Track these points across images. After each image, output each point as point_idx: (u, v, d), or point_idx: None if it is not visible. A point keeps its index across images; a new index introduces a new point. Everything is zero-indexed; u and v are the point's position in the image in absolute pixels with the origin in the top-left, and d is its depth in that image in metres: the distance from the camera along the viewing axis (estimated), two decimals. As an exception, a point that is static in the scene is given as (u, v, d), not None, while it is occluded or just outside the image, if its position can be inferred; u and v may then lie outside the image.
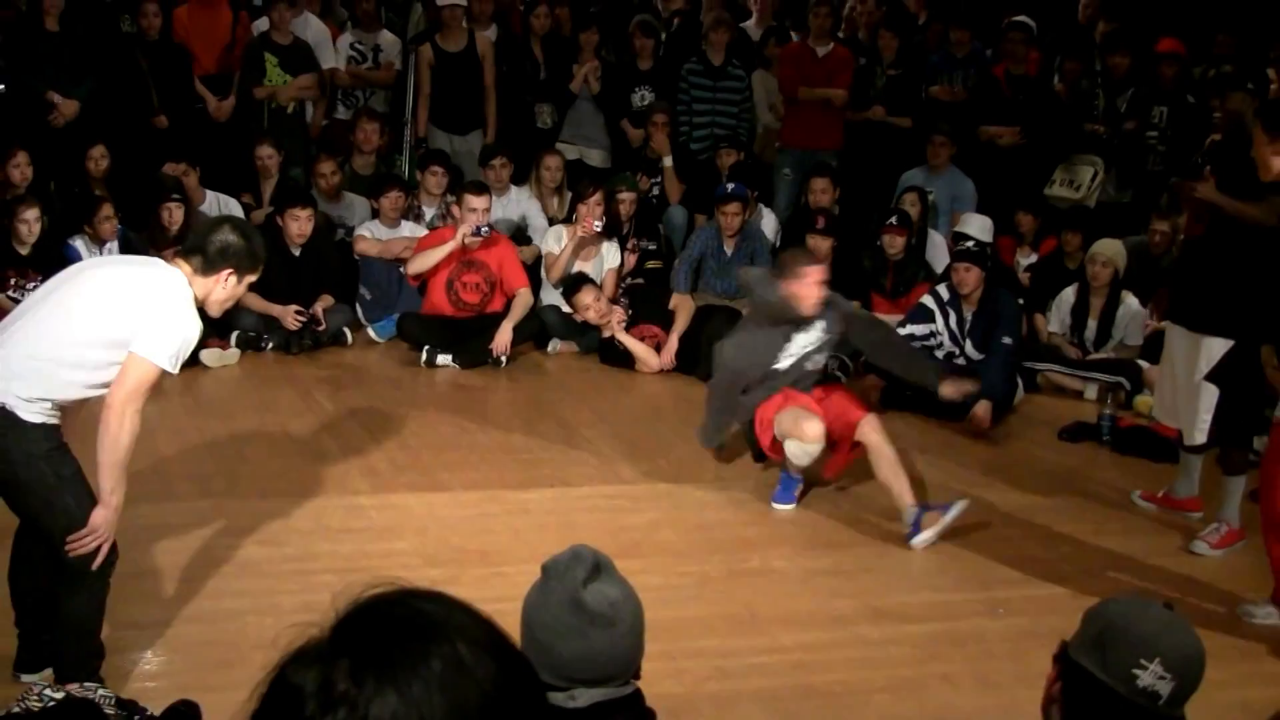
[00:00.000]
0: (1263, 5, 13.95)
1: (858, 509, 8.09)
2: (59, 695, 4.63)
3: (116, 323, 5.21)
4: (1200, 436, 7.73)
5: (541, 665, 2.98)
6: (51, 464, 5.23)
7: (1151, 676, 3.02)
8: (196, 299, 5.37)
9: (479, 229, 10.40)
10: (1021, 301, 10.43)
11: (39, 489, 5.25)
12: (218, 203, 11.12)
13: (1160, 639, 3.07)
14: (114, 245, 10.21)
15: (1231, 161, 7.64)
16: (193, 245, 5.44)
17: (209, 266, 5.36)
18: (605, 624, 3.07)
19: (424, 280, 10.52)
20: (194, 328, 5.31)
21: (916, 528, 7.59)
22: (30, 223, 9.74)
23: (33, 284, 9.69)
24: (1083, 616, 3.18)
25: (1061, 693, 3.11)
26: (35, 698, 4.57)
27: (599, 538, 7.19)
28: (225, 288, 5.42)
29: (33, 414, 5.17)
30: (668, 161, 12.24)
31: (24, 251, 9.78)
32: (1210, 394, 7.58)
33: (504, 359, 10.32)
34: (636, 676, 3.20)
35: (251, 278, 5.52)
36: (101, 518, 5.28)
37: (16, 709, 4.56)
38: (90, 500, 5.29)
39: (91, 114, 11.29)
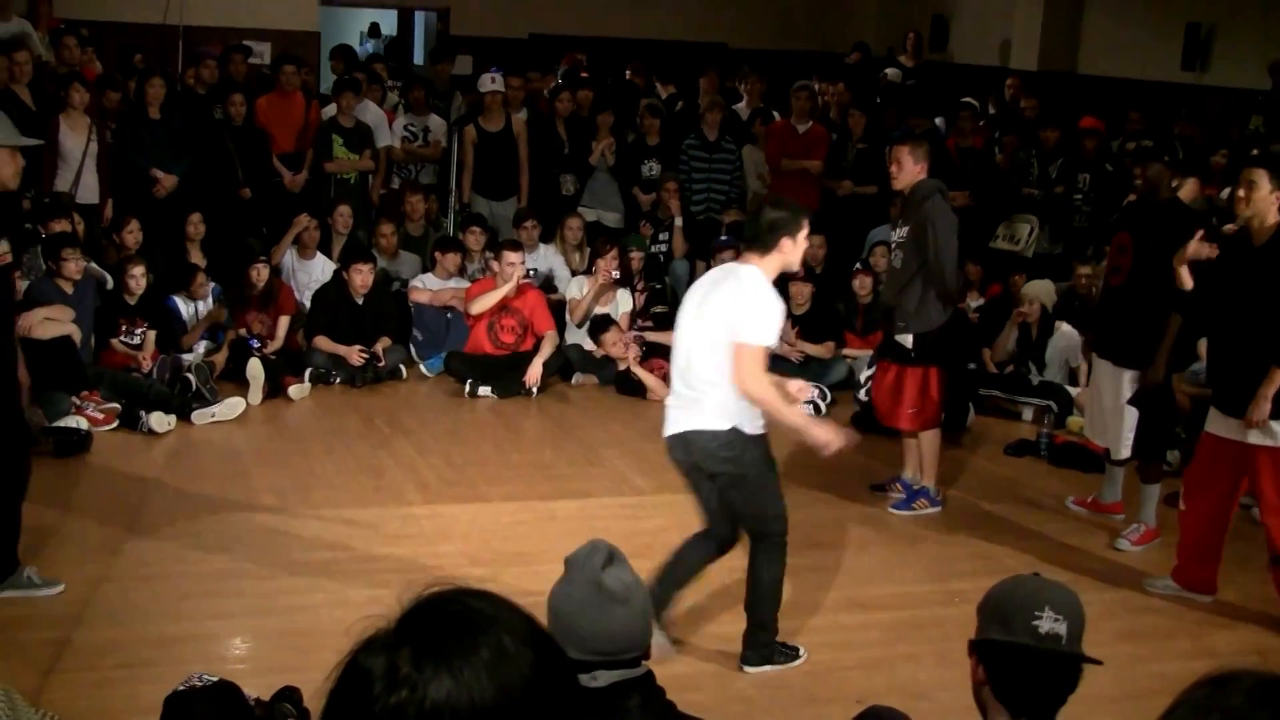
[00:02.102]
0: (1166, 90, 14.01)
1: (837, 515, 8.10)
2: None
3: (726, 332, 5.51)
4: (1125, 451, 7.80)
5: (567, 642, 2.97)
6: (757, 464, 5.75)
7: (1049, 621, 3.07)
8: (780, 271, 5.76)
9: (529, 272, 10.86)
10: (972, 340, 10.48)
11: (752, 484, 5.76)
12: (323, 262, 11.24)
13: (1041, 593, 3.15)
14: (208, 300, 10.28)
15: (1147, 219, 7.69)
16: (750, 237, 5.83)
17: (768, 246, 5.64)
18: (622, 602, 3.09)
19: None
20: (775, 304, 5.60)
21: (907, 503, 8.17)
22: (138, 278, 9.78)
23: (140, 330, 9.73)
24: (977, 611, 3.23)
25: (986, 673, 3.13)
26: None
27: (616, 540, 7.13)
28: (789, 250, 5.69)
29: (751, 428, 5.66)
30: (678, 222, 12.26)
31: (132, 302, 9.81)
32: (1131, 416, 7.66)
33: (535, 390, 10.33)
34: (646, 657, 3.20)
35: (803, 232, 5.71)
36: (820, 433, 5.78)
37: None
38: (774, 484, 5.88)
39: (188, 187, 11.33)
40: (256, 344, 10.16)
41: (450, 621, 1.60)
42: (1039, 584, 3.22)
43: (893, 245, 8.15)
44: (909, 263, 7.88)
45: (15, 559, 6.25)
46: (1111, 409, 7.80)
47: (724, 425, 5.61)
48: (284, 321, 10.47)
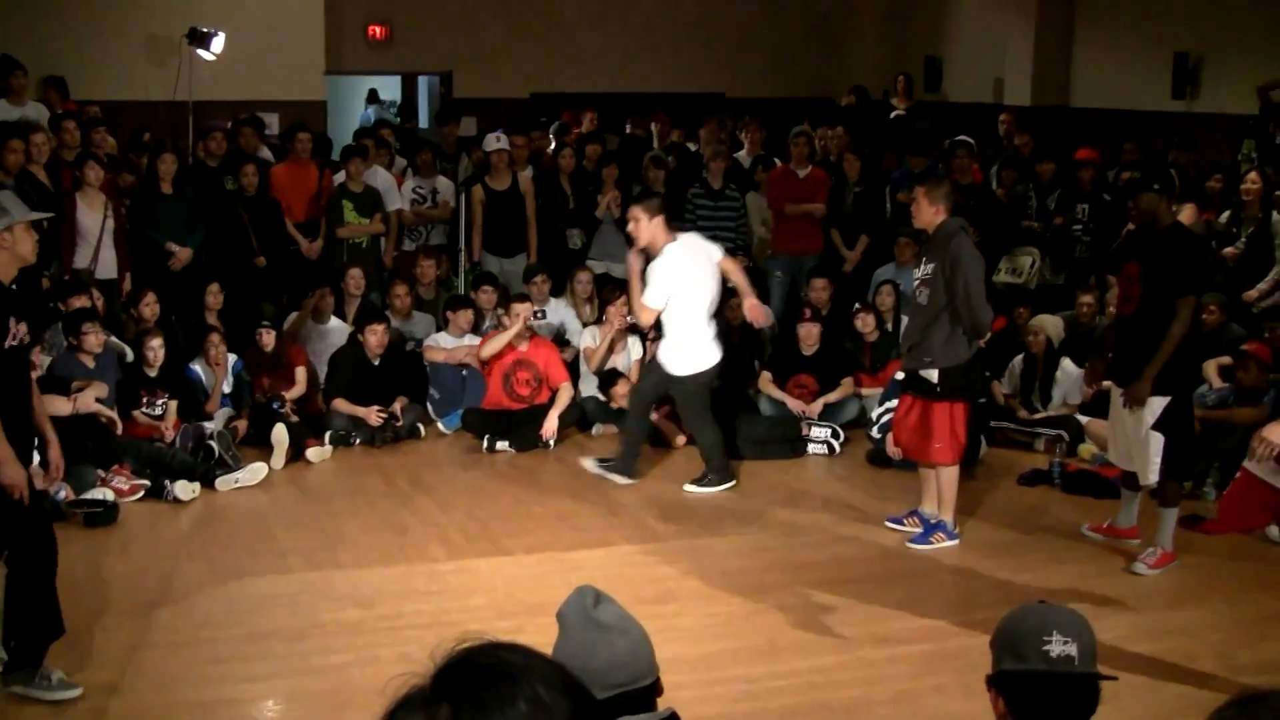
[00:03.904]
0: (1158, 119, 14.05)
1: (856, 552, 8.07)
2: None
3: None
4: (1154, 476, 7.74)
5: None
6: None
7: (1059, 645, 3.09)
8: None
9: (537, 313, 10.95)
10: (988, 374, 10.42)
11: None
12: (338, 326, 11.25)
13: (1046, 618, 3.17)
14: (229, 371, 10.28)
15: (1153, 247, 7.68)
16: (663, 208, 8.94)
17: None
18: (621, 632, 3.11)
19: (485, 376, 10.65)
20: None
21: (925, 537, 8.15)
22: (156, 349, 9.78)
23: (161, 400, 9.74)
24: (989, 645, 3.25)
25: (1006, 705, 3.13)
26: None
27: (639, 587, 7.22)
28: None
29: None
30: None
31: (152, 374, 9.82)
32: (1158, 441, 7.60)
33: (552, 442, 10.31)
34: (659, 692, 3.19)
35: None
36: None
37: None
38: None
39: (203, 259, 11.37)
40: (278, 405, 10.17)
41: (485, 675, 1.59)
42: (1044, 610, 3.23)
43: (917, 281, 8.16)
44: (934, 299, 7.90)
45: (39, 651, 6.07)
46: (1135, 435, 7.76)
47: None
48: (300, 372, 10.55)
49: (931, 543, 8.11)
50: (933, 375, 7.98)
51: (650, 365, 9.37)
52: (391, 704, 1.60)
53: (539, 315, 10.95)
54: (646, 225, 8.94)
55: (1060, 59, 15.94)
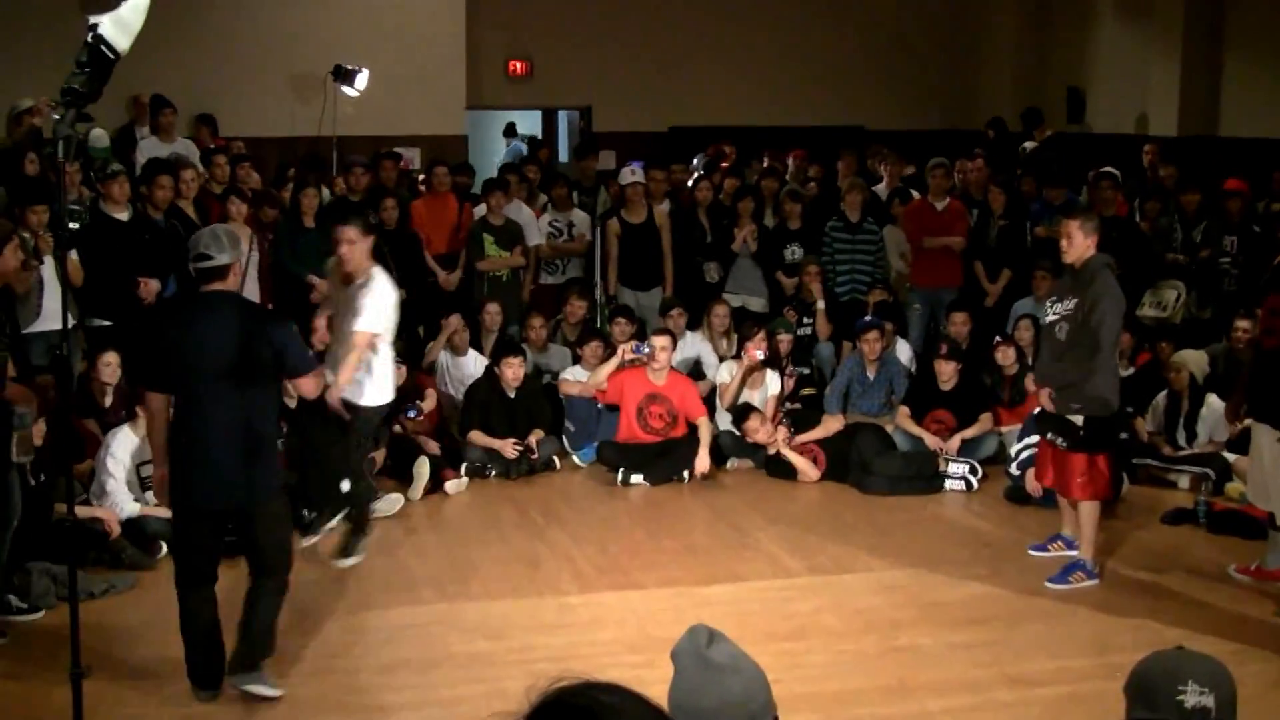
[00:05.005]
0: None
1: (991, 591, 7.93)
2: None
3: None
4: None
5: None
6: None
7: (1194, 695, 2.98)
8: None
9: (638, 347, 10.63)
10: (1130, 410, 10.18)
11: None
12: (475, 358, 11.35)
13: (1182, 666, 3.05)
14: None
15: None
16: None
17: None
18: (734, 671, 3.02)
19: (618, 411, 10.66)
20: None
21: (1064, 576, 7.97)
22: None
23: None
24: (1123, 690, 3.14)
25: None
26: None
27: (770, 623, 7.17)
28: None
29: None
30: (820, 305, 12.21)
31: (292, 405, 9.96)
32: None
33: (686, 476, 10.27)
34: None
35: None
36: None
37: None
38: None
39: (344, 291, 11.54)
40: (415, 414, 10.27)
41: (579, 716, 1.57)
42: (1181, 657, 3.11)
43: (1057, 317, 7.98)
44: (1074, 335, 7.73)
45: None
46: (1273, 473, 7.55)
47: None
48: (430, 394, 10.70)
49: (1070, 582, 7.94)
50: (1078, 419, 7.82)
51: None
52: (486, 744, 1.59)
53: (640, 349, 10.69)
54: (362, 246, 8.21)
55: (1207, 87, 15.57)
